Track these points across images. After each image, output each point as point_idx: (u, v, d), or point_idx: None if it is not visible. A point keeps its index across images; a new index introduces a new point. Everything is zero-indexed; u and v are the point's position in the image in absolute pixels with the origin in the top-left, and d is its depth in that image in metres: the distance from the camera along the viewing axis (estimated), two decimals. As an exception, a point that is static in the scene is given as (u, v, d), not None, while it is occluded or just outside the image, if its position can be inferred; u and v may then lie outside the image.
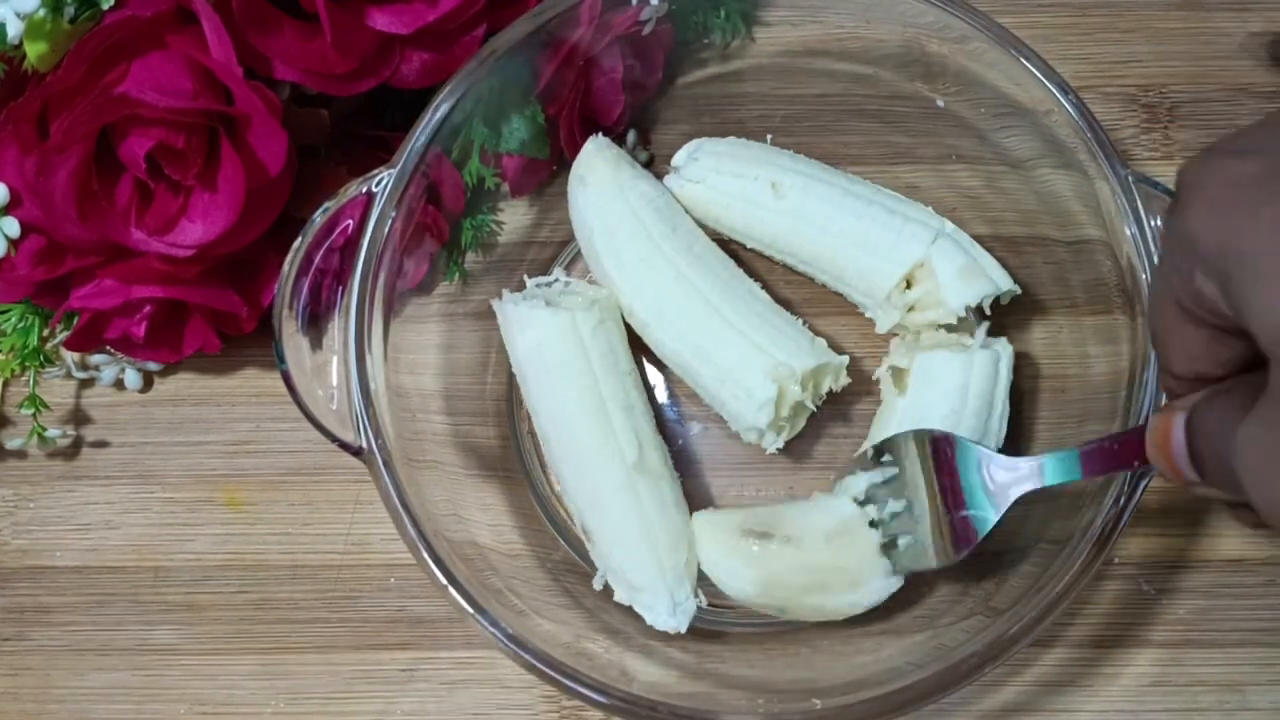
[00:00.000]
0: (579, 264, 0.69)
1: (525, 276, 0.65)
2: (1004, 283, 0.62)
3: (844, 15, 0.65)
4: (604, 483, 0.60)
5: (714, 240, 0.66)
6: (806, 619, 0.60)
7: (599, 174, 0.64)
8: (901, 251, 0.62)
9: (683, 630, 0.60)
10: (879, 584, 0.59)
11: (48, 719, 0.64)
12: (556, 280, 0.65)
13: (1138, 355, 0.57)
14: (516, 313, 0.62)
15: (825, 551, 0.59)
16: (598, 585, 0.61)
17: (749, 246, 0.66)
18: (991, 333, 0.63)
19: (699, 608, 0.61)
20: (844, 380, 0.62)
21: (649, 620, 0.60)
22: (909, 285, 0.63)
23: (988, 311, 0.63)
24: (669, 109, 0.70)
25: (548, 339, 0.61)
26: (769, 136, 0.67)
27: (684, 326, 0.62)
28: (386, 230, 0.57)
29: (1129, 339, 0.58)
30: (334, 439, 0.56)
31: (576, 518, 0.62)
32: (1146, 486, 0.54)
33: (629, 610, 0.61)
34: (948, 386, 0.61)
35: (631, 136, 0.69)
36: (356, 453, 0.55)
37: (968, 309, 0.61)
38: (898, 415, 0.61)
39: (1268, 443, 0.38)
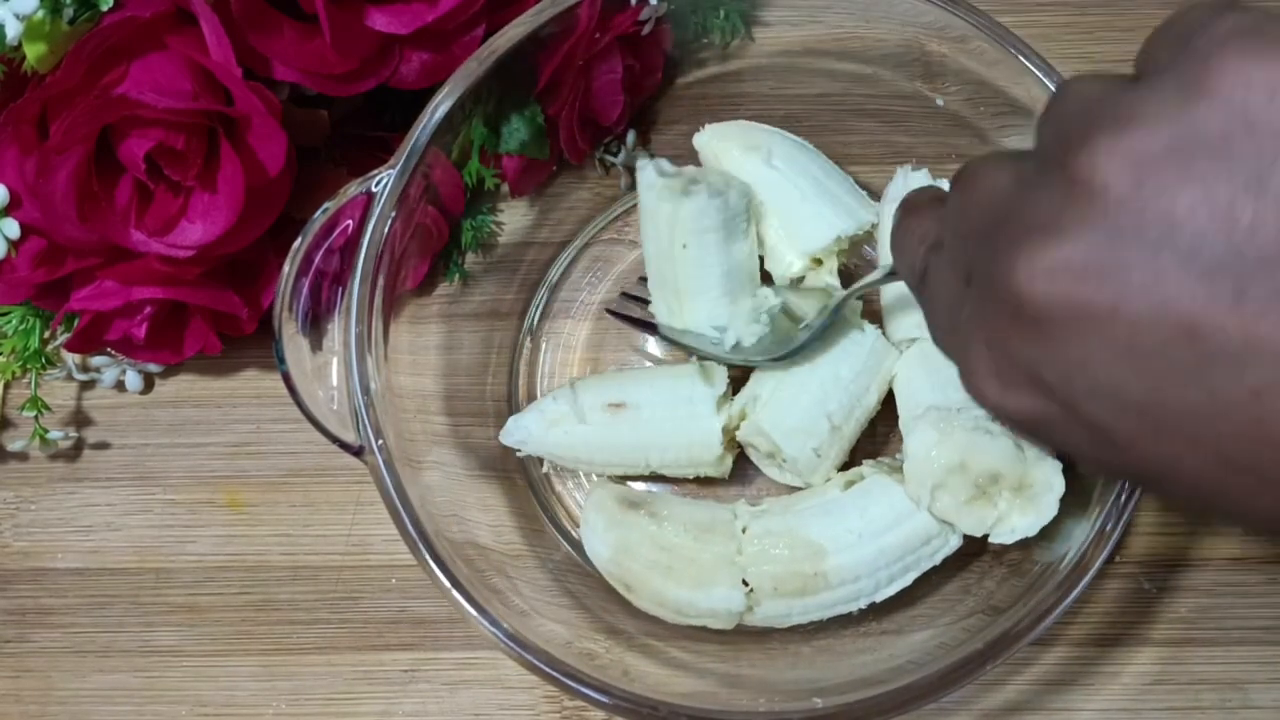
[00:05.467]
0: (580, 264, 0.69)
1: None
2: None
3: (844, 15, 0.65)
4: None
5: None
6: (648, 609, 0.60)
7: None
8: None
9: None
10: (723, 593, 0.58)
11: (49, 721, 0.65)
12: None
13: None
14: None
15: (683, 537, 0.59)
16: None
17: None
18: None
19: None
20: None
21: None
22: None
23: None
24: (669, 109, 0.69)
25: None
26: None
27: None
28: (386, 230, 0.57)
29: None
30: (334, 439, 0.55)
31: None
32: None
33: (630, 609, 0.61)
34: (875, 513, 0.59)
35: (631, 137, 0.69)
36: (357, 453, 0.55)
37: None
38: (820, 503, 0.60)
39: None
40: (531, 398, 0.68)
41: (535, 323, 0.69)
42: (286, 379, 0.55)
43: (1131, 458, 0.37)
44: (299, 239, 0.56)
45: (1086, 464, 0.45)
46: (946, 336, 0.44)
